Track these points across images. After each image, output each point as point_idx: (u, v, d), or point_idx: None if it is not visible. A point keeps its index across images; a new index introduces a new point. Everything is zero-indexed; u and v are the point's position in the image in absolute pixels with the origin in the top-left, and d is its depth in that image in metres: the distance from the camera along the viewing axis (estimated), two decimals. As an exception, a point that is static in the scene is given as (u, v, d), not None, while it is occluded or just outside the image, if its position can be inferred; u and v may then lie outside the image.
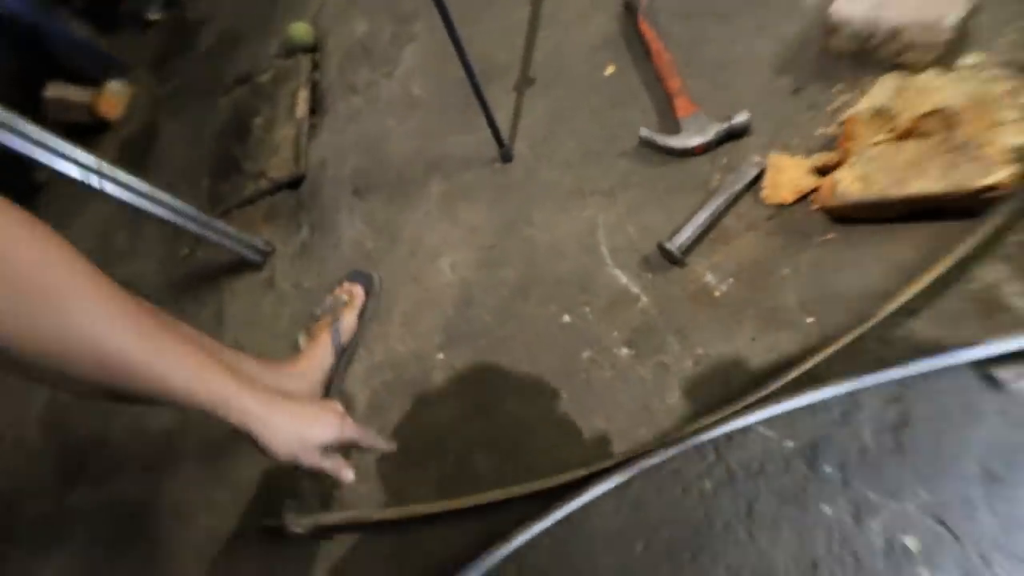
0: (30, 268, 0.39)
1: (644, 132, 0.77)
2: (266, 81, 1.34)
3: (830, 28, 0.70)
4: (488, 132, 0.87)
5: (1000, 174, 0.54)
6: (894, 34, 0.66)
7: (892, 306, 0.56)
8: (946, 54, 0.66)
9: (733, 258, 0.68)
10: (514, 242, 0.83)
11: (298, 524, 0.72)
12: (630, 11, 0.88)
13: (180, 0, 1.82)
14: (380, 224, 0.98)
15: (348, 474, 0.60)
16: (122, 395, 0.47)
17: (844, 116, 0.66)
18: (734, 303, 0.65)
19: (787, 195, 0.67)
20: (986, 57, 0.65)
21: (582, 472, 0.62)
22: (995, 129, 0.58)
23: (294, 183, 1.13)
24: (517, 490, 0.65)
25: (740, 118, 0.72)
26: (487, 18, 1.06)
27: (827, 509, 0.52)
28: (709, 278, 0.68)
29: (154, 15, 1.84)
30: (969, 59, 0.66)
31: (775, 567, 0.52)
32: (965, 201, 0.57)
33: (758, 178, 0.69)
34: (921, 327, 0.56)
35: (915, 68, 0.66)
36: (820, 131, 0.69)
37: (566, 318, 0.74)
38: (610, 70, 0.88)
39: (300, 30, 1.30)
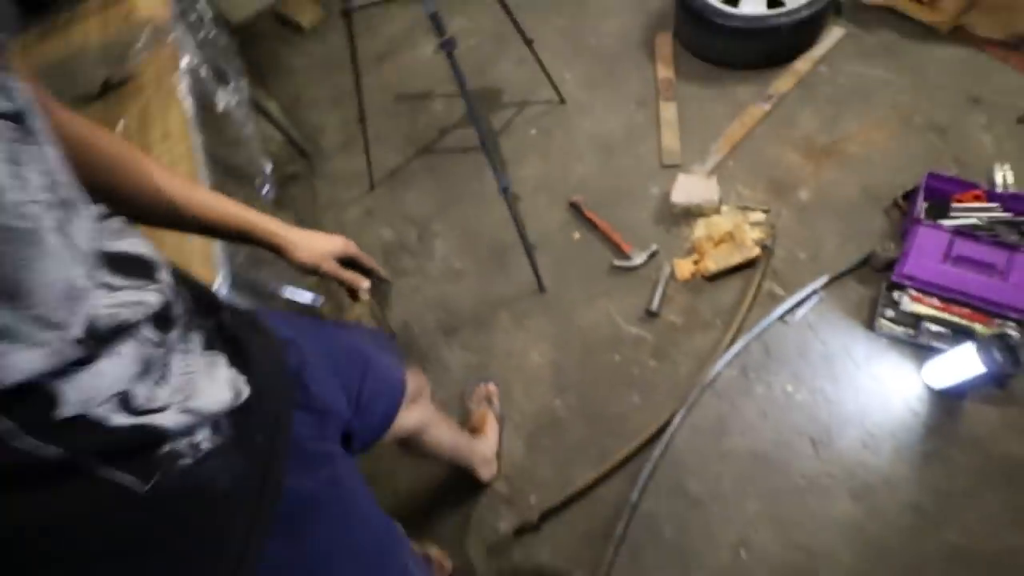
0: (108, 146, 0.56)
1: (615, 262, 1.60)
2: (313, 284, 1.85)
3: (672, 205, 1.65)
4: (523, 276, 1.61)
5: (753, 252, 1.49)
6: (697, 205, 1.63)
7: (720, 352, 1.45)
8: (718, 207, 1.64)
9: (675, 303, 1.52)
10: (568, 331, 1.55)
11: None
12: (576, 208, 1.75)
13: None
14: (475, 347, 1.60)
15: (364, 283, 0.72)
16: (185, 227, 0.62)
17: (693, 238, 1.60)
18: (685, 324, 1.48)
19: (686, 275, 1.55)
20: (727, 206, 1.66)
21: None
22: (744, 233, 1.56)
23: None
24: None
25: (653, 248, 1.60)
26: (486, 217, 1.82)
27: (757, 388, 1.35)
28: (672, 318, 1.51)
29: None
30: (724, 208, 1.66)
31: (751, 416, 1.32)
32: (746, 265, 1.51)
33: (671, 273, 1.57)
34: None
35: (708, 214, 1.63)
36: (686, 246, 1.61)
37: (616, 357, 1.48)
38: (576, 236, 1.71)
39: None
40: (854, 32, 1.91)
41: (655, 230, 1.66)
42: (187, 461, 0.43)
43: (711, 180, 1.64)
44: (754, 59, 1.87)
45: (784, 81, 1.84)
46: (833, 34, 1.91)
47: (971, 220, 1.41)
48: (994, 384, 1.23)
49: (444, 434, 1.12)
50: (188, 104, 0.99)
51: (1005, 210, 1.41)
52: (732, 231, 1.55)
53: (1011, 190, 1.48)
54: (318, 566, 0.57)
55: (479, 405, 1.46)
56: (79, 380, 0.37)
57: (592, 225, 1.70)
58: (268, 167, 1.47)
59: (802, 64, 1.86)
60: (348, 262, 0.73)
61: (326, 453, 0.62)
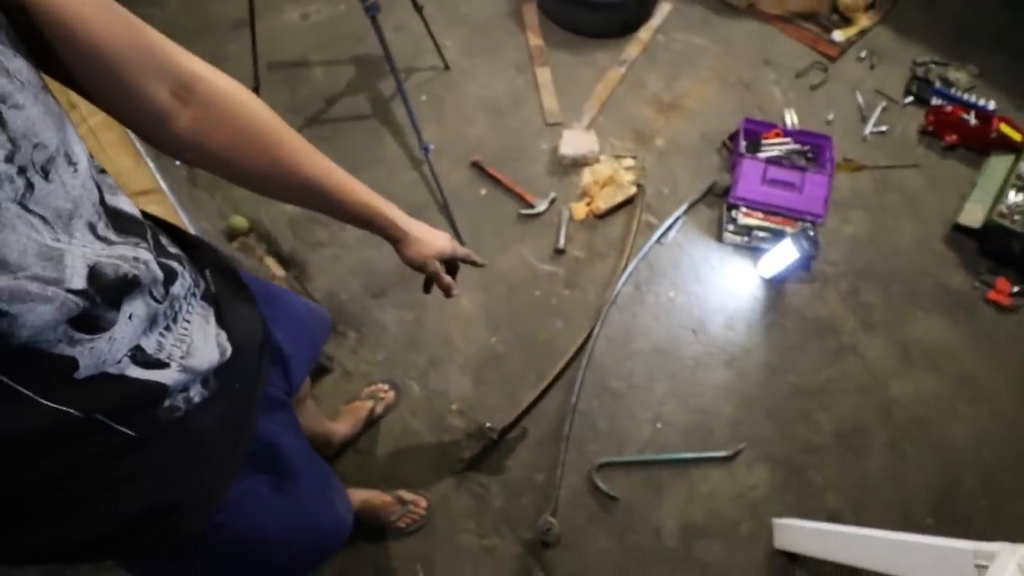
0: (254, 119, 0.53)
1: (521, 211, 1.80)
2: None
3: (561, 157, 1.89)
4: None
5: (631, 191, 1.81)
6: (582, 156, 1.89)
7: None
8: (598, 156, 1.92)
9: (576, 240, 1.78)
10: (491, 277, 1.72)
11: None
12: (478, 166, 1.89)
13: None
14: (407, 304, 1.69)
15: (456, 290, 0.78)
16: (315, 206, 0.60)
17: (582, 184, 1.86)
18: (586, 256, 1.75)
19: (581, 216, 1.81)
20: (605, 155, 1.95)
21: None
22: (621, 176, 1.86)
23: (314, 313, 1.67)
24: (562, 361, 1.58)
25: (552, 195, 1.83)
26: (395, 182, 1.88)
27: (649, 298, 1.68)
28: (576, 253, 1.76)
29: None
30: (603, 157, 1.94)
31: (649, 320, 1.65)
32: (627, 202, 1.82)
33: (570, 215, 1.82)
34: (638, 239, 1.78)
35: (592, 163, 1.91)
36: (579, 191, 1.87)
37: (536, 292, 1.70)
38: (483, 192, 1.87)
39: (239, 220, 1.77)
40: (679, 7, 2.31)
41: (549, 180, 1.89)
42: (180, 413, 0.49)
43: (590, 134, 1.92)
44: (608, 29, 2.18)
45: (633, 48, 2.18)
46: (664, 8, 2.29)
47: (776, 152, 1.89)
48: (803, 268, 1.70)
49: (310, 413, 1.22)
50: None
51: (796, 142, 1.90)
52: (612, 175, 1.85)
53: (797, 127, 1.99)
54: (277, 496, 0.65)
55: (368, 396, 1.49)
56: (96, 345, 0.40)
57: (495, 181, 1.87)
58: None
59: (644, 33, 2.21)
60: (450, 261, 0.78)
61: (283, 400, 0.70)
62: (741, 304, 1.70)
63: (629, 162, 1.92)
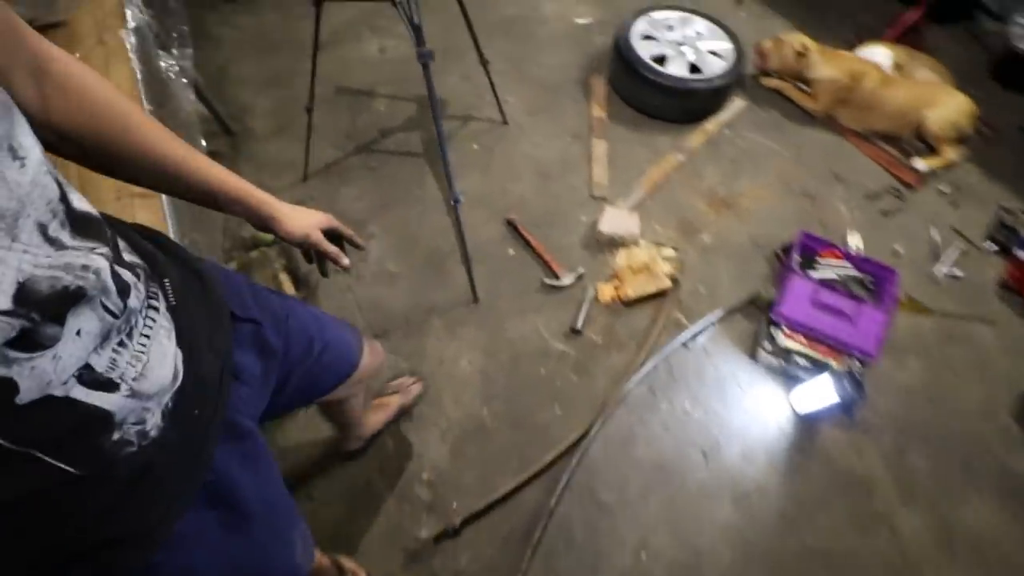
0: (107, 100, 0.52)
1: (546, 280, 1.70)
2: (235, 270, 1.72)
3: (599, 233, 1.80)
4: (458, 285, 1.66)
5: (665, 284, 1.68)
6: (620, 236, 1.80)
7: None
8: (638, 240, 1.82)
9: (596, 323, 1.65)
10: (498, 341, 1.61)
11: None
12: (512, 225, 1.83)
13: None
14: (406, 352, 1.59)
15: (345, 260, 0.75)
16: (175, 191, 0.60)
17: (615, 266, 1.75)
18: (604, 343, 1.62)
19: (607, 299, 1.70)
20: (645, 240, 1.85)
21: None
22: (658, 266, 1.75)
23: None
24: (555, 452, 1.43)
25: (580, 270, 1.73)
26: (425, 223, 1.84)
27: (662, 404, 1.52)
28: (593, 336, 1.64)
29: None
30: (643, 241, 1.84)
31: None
32: (658, 294, 1.70)
33: (595, 295, 1.71)
34: (663, 337, 1.64)
35: (629, 246, 1.81)
36: (609, 272, 1.76)
37: (542, 370, 1.57)
38: (511, 252, 1.79)
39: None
40: (752, 106, 2.24)
41: (582, 254, 1.80)
42: (132, 448, 0.43)
43: (633, 215, 1.82)
44: (673, 114, 2.12)
45: (696, 137, 2.10)
46: (736, 104, 2.22)
47: (831, 274, 1.73)
48: (843, 412, 1.50)
49: (358, 405, 1.16)
50: (135, 66, 0.91)
51: (856, 268, 1.74)
52: (648, 263, 1.73)
53: (861, 252, 1.83)
54: (226, 536, 0.58)
55: (393, 390, 1.47)
56: (38, 365, 0.35)
57: (526, 243, 1.79)
58: (202, 144, 1.36)
59: (711, 125, 2.14)
60: (330, 236, 0.75)
61: (249, 429, 0.63)
62: (765, 435, 1.51)
63: (669, 252, 1.80)
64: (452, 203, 1.49)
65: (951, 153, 2.06)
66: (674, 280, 1.72)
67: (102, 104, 0.52)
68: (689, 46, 2.12)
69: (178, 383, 0.48)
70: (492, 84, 1.91)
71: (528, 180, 1.97)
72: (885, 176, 2.07)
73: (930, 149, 2.09)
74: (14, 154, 0.34)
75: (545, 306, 1.69)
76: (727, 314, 1.69)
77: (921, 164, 2.05)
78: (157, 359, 0.45)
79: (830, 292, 1.65)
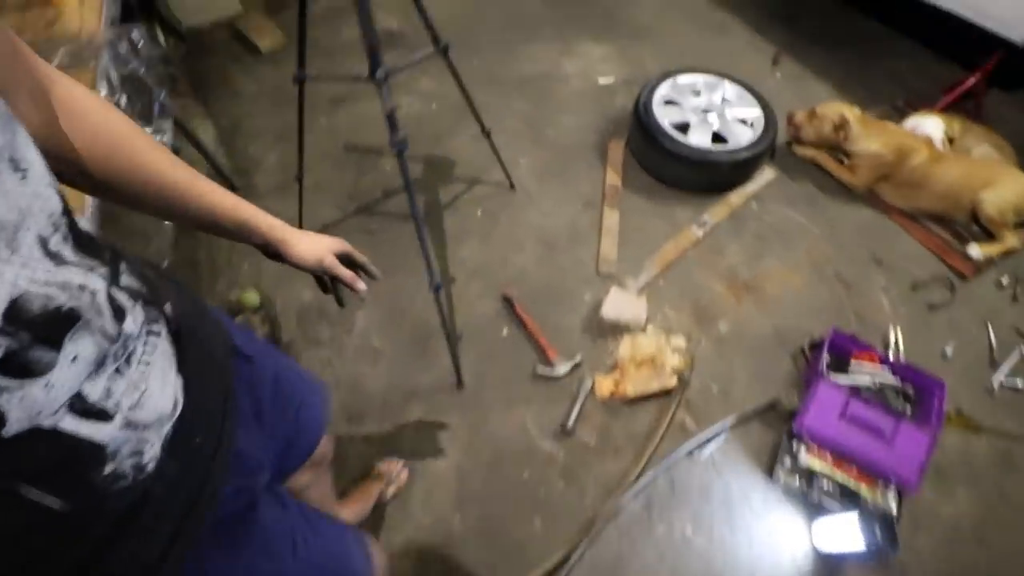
0: (110, 123, 0.51)
1: (538, 369, 1.56)
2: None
3: (600, 319, 1.66)
4: (442, 367, 1.53)
5: (671, 382, 1.51)
6: (625, 323, 1.65)
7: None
8: (645, 326, 1.67)
9: (590, 422, 1.50)
10: (480, 436, 1.48)
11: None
12: (508, 302, 1.71)
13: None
14: (378, 439, 1.48)
15: (361, 285, 0.73)
16: (178, 218, 0.58)
17: (617, 356, 1.60)
18: (597, 446, 1.46)
19: (605, 394, 1.54)
20: (653, 325, 1.69)
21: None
22: (665, 358, 1.58)
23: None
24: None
25: (578, 358, 1.58)
26: (419, 294, 1.74)
27: (658, 527, 1.33)
28: (586, 437, 1.48)
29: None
30: (650, 328, 1.68)
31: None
32: (662, 393, 1.53)
33: (591, 388, 1.55)
34: (665, 443, 1.46)
35: (634, 333, 1.65)
36: (610, 362, 1.60)
37: (525, 474, 1.42)
38: (505, 332, 1.67)
39: (252, 296, 1.70)
40: (783, 177, 2.07)
41: (582, 338, 1.65)
42: (126, 482, 0.40)
43: (641, 300, 1.67)
44: (694, 185, 1.97)
45: (718, 210, 1.95)
46: (765, 175, 2.06)
47: (865, 380, 1.52)
48: (873, 557, 1.28)
49: (319, 494, 1.07)
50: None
51: (895, 375, 1.52)
52: (655, 354, 1.57)
53: (902, 353, 1.61)
54: (269, 560, 0.57)
55: (377, 474, 1.36)
56: (28, 393, 0.33)
57: (522, 323, 1.66)
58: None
59: (736, 198, 1.98)
60: (344, 261, 0.73)
61: (260, 464, 0.61)
62: (778, 573, 1.30)
63: (679, 342, 1.63)
64: (433, 291, 1.38)
65: (1012, 239, 1.82)
66: (681, 378, 1.54)
67: (105, 127, 0.51)
68: (715, 113, 1.98)
69: (178, 412, 0.45)
70: (497, 153, 1.83)
71: (532, 251, 1.85)
72: (934, 263, 1.85)
73: (987, 234, 1.86)
74: (15, 166, 0.34)
75: (536, 397, 1.55)
76: (741, 421, 1.50)
77: (976, 251, 1.82)
78: (156, 387, 0.43)
79: (863, 404, 1.44)
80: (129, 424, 0.40)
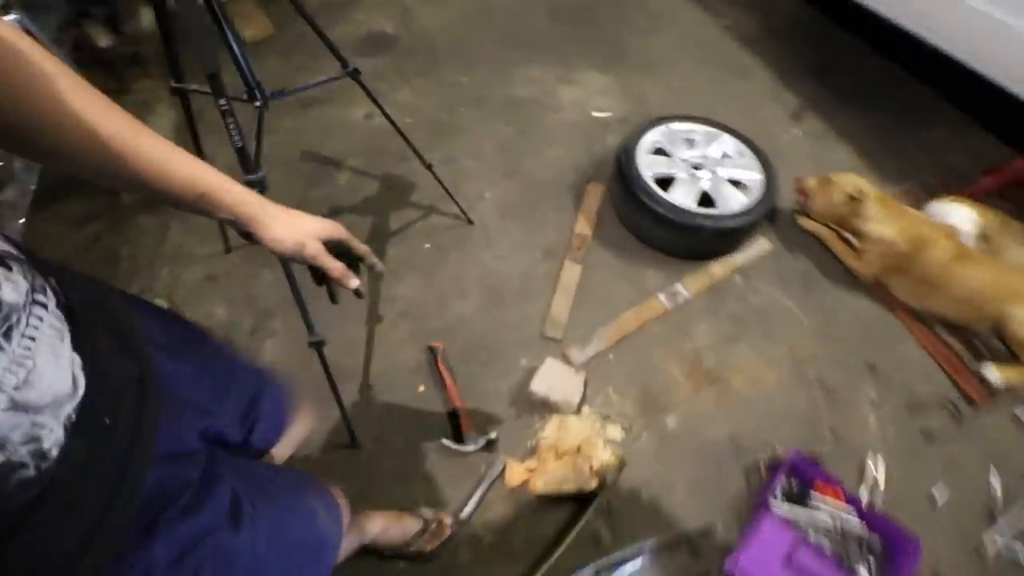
0: (22, 60, 0.40)
1: (445, 441, 1.36)
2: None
3: (529, 393, 1.44)
4: (340, 421, 1.35)
5: (589, 485, 1.29)
6: (555, 402, 1.43)
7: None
8: (578, 407, 1.45)
9: (493, 512, 1.28)
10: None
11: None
12: (432, 352, 1.51)
13: None
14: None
15: (354, 281, 0.62)
16: (123, 183, 0.48)
17: (539, 438, 1.38)
18: (491, 546, 1.24)
19: (514, 483, 1.33)
20: (590, 408, 1.46)
21: None
22: (593, 450, 1.36)
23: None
24: None
25: (492, 435, 1.37)
26: (334, 331, 1.57)
27: None
28: (481, 531, 1.27)
29: None
30: (586, 410, 1.46)
31: None
32: (583, 496, 1.30)
33: (502, 472, 1.34)
34: (570, 557, 1.23)
35: (565, 414, 1.43)
36: (530, 443, 1.39)
37: (400, 565, 1.22)
38: (421, 389, 1.47)
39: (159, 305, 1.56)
40: (780, 251, 1.81)
41: (505, 409, 1.44)
42: (28, 472, 0.36)
43: (578, 377, 1.45)
44: (672, 249, 1.74)
45: (696, 281, 1.71)
46: (759, 246, 1.81)
47: (824, 519, 1.26)
48: None
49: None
50: None
51: (861, 521, 1.26)
52: (581, 445, 1.35)
53: (880, 488, 1.35)
54: (233, 530, 0.53)
55: (420, 517, 1.21)
56: None
57: (441, 382, 1.47)
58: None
59: (719, 268, 1.74)
60: (335, 249, 0.61)
61: (193, 450, 0.54)
62: None
63: (615, 432, 1.41)
64: (313, 344, 1.20)
65: (1041, 366, 1.53)
66: (604, 481, 1.31)
67: (13, 65, 0.40)
68: (707, 170, 1.74)
69: (80, 392, 0.40)
70: (444, 187, 1.64)
71: (475, 298, 1.65)
72: (940, 380, 1.57)
73: (1011, 356, 1.56)
74: None
75: (438, 472, 1.34)
76: (667, 545, 1.26)
77: (995, 374, 1.53)
78: (47, 365, 0.38)
79: (814, 553, 1.19)
80: (16, 405, 0.35)
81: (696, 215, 1.62)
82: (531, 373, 1.48)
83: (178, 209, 0.52)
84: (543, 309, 1.63)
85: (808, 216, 1.85)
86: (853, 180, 1.72)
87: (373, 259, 0.66)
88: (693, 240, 1.67)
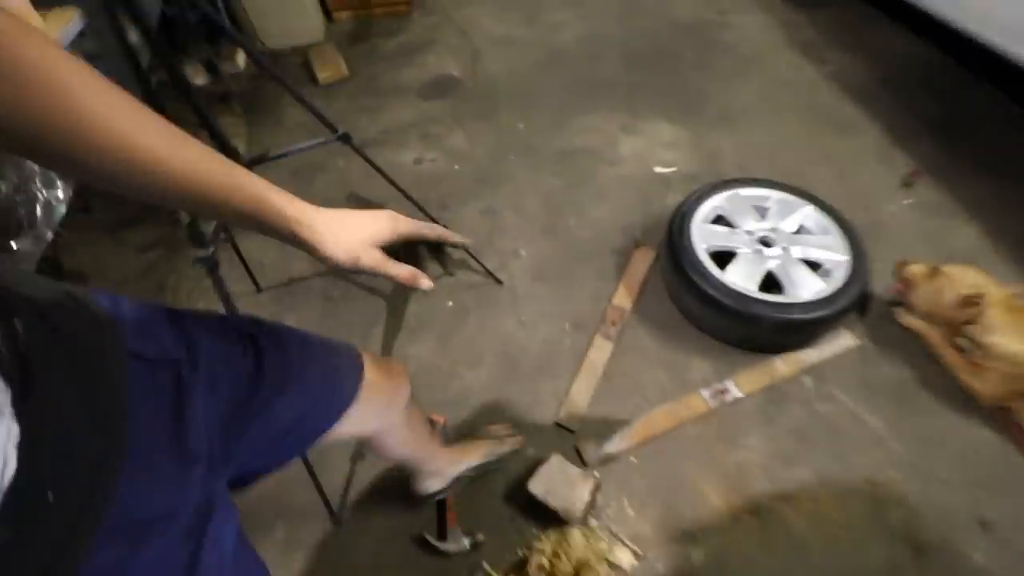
0: (34, 64, 0.35)
1: (425, 535, 1.21)
2: None
3: (527, 490, 1.25)
4: (328, 490, 1.25)
5: (580, 627, 1.06)
6: (554, 509, 1.22)
7: None
8: (584, 517, 1.23)
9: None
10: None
11: None
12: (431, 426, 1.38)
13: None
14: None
15: (425, 282, 0.56)
16: (159, 199, 0.43)
17: (534, 549, 1.19)
18: None
19: (495, 602, 1.14)
20: (598, 522, 1.24)
21: None
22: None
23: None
24: None
25: (478, 537, 1.20)
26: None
27: None
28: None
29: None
30: (593, 524, 1.24)
31: None
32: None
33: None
34: None
35: (564, 525, 1.22)
36: (521, 552, 1.20)
37: None
38: (413, 467, 1.35)
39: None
40: (868, 350, 1.47)
41: (499, 505, 1.27)
42: None
43: (585, 484, 1.23)
44: (725, 335, 1.48)
45: (751, 377, 1.43)
46: (841, 341, 1.48)
47: None
48: None
49: (395, 443, 0.93)
50: None
51: None
52: (580, 568, 1.13)
53: None
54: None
55: (486, 434, 1.31)
56: None
57: (434, 464, 1.33)
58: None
59: (784, 365, 1.44)
60: (401, 246, 0.56)
61: (162, 516, 0.43)
62: None
63: (624, 557, 1.17)
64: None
65: None
66: (598, 625, 1.08)
67: (27, 64, 0.35)
68: (778, 247, 1.47)
69: (8, 474, 0.32)
70: (481, 263, 1.54)
71: (488, 368, 1.51)
72: (1090, 558, 1.15)
73: None
74: None
75: (413, 569, 1.19)
76: None
77: None
78: None
79: None
80: None
81: (753, 301, 1.35)
82: (535, 466, 1.29)
83: (210, 218, 0.49)
84: (561, 390, 1.44)
85: (909, 310, 1.49)
86: (972, 277, 1.36)
87: (454, 238, 0.61)
88: (749, 331, 1.41)
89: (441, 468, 1.15)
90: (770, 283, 1.43)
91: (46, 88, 0.35)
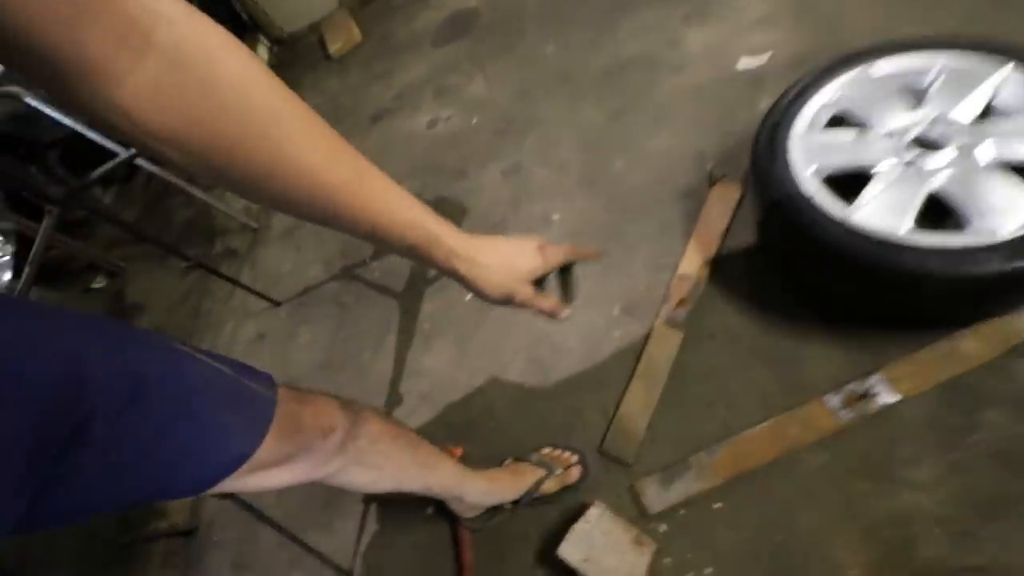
0: (239, 81, 0.34)
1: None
2: None
3: (560, 552, 0.92)
4: (344, 539, 1.08)
5: None
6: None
7: None
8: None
9: None
10: None
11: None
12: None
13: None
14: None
15: (565, 311, 0.57)
16: (332, 225, 0.43)
17: None
18: None
19: None
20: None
21: None
22: None
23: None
24: None
25: (502, 617, 0.91)
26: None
27: None
28: None
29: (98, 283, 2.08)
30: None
31: None
32: None
33: None
34: None
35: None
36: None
37: None
38: (429, 511, 1.08)
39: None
40: None
41: (528, 571, 0.96)
42: None
43: (642, 550, 0.86)
44: (860, 307, 0.94)
45: (915, 371, 0.89)
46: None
47: None
48: None
49: (361, 482, 0.72)
50: None
51: None
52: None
53: None
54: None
55: (539, 461, 0.99)
56: None
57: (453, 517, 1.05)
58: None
59: (975, 343, 0.87)
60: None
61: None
62: None
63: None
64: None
65: None
66: None
67: (231, 93, 0.33)
68: (950, 149, 0.88)
69: None
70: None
71: (514, 377, 1.17)
72: None
73: None
74: None
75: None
76: None
77: None
78: None
79: None
80: None
81: (910, 249, 0.81)
82: (573, 516, 0.94)
83: (373, 243, 0.45)
84: (609, 405, 1.05)
85: None
86: None
87: (588, 253, 0.61)
88: (905, 296, 0.86)
89: (466, 498, 0.91)
90: (937, 213, 0.85)
91: (244, 112, 0.34)
